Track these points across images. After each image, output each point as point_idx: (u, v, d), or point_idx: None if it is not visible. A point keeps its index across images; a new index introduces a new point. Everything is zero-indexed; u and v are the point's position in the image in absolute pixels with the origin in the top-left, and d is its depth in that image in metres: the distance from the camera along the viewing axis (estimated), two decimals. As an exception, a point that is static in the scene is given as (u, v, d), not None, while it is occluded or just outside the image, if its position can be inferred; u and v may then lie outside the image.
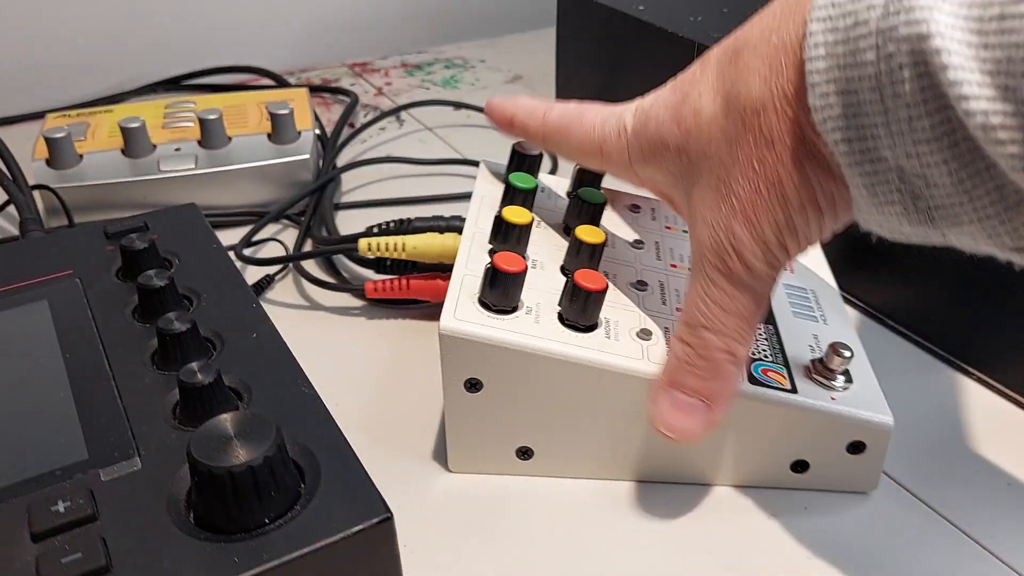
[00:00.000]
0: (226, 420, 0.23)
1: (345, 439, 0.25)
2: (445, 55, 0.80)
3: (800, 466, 0.32)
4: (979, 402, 0.37)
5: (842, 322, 0.37)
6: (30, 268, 0.34)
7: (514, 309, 0.31)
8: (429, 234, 0.41)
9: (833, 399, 0.31)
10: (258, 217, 0.50)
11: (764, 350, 0.33)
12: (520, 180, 0.36)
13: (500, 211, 0.34)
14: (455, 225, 0.42)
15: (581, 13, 0.58)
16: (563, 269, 0.34)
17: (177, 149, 0.51)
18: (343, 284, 0.44)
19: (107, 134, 0.52)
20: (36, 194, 0.47)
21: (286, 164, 0.51)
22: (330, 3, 0.79)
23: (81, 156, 0.50)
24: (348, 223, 0.51)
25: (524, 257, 0.31)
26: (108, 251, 0.36)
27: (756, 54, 0.26)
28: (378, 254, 0.41)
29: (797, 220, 0.26)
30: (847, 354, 0.32)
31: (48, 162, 0.49)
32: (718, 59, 0.28)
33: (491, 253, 0.33)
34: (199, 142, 0.51)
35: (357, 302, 0.44)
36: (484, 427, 0.32)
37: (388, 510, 0.23)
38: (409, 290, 0.41)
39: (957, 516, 0.32)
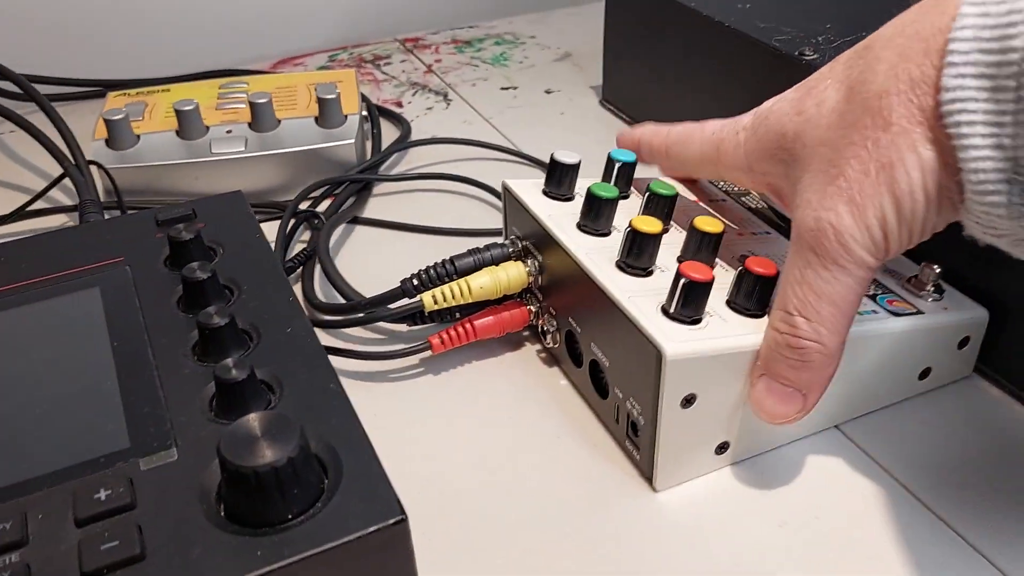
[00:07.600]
0: (254, 420, 0.24)
1: (367, 438, 0.26)
2: (496, 30, 0.80)
3: (925, 373, 0.36)
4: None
5: None
6: (85, 254, 0.36)
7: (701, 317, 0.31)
8: (488, 270, 0.39)
9: (946, 309, 0.36)
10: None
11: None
12: (605, 190, 0.36)
13: (632, 224, 0.33)
14: (499, 255, 0.40)
15: (629, -4, 0.58)
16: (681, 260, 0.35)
17: (228, 131, 0.52)
18: (408, 348, 0.40)
19: (163, 115, 0.54)
20: (95, 172, 0.50)
21: (331, 149, 0.52)
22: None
23: (138, 137, 0.52)
24: (353, 254, 0.48)
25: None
26: (158, 238, 0.37)
27: (888, 45, 0.27)
28: (443, 305, 0.39)
29: (903, 206, 0.26)
30: (937, 269, 0.36)
31: (107, 142, 0.51)
32: (847, 56, 0.29)
33: (624, 267, 0.34)
34: (249, 124, 0.52)
35: (407, 362, 0.41)
36: (691, 438, 0.32)
37: (403, 511, 0.24)
38: (476, 334, 0.39)
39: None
